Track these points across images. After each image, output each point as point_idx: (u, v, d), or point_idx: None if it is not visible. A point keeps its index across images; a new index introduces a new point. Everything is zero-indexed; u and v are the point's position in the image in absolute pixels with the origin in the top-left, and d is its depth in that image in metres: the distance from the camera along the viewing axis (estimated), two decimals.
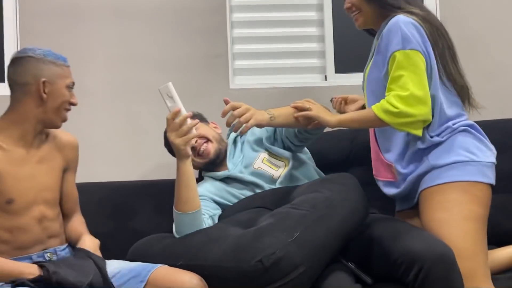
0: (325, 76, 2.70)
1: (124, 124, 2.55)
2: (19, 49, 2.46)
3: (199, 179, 2.21)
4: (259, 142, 2.13)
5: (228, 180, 2.09)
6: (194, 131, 1.79)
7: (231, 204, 2.01)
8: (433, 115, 1.78)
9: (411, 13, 1.82)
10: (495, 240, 2.14)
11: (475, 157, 1.77)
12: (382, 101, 1.76)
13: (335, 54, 2.69)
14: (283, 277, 1.52)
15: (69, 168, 1.86)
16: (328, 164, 2.20)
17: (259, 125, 1.87)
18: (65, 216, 1.86)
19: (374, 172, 2.00)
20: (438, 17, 2.59)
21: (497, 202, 2.18)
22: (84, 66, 2.52)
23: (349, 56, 2.71)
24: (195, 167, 2.06)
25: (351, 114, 1.90)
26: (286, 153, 2.08)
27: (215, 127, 2.23)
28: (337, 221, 1.63)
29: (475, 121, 1.88)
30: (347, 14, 1.99)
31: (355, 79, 2.65)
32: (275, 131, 2.13)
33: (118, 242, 1.94)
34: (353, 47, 2.69)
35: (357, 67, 2.66)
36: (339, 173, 1.92)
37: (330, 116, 1.87)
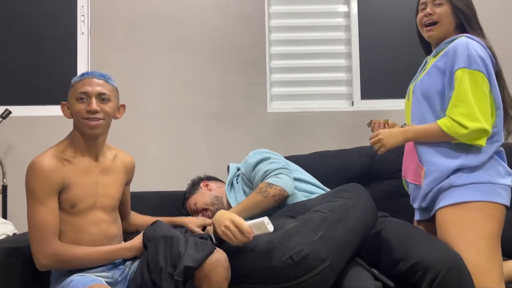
0: (352, 102, 2.71)
1: (176, 142, 2.61)
2: None
3: None
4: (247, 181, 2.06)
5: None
6: (231, 239, 1.62)
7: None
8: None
9: (482, 36, 1.79)
10: (509, 253, 2.11)
11: (492, 179, 1.70)
12: (448, 119, 1.69)
13: (361, 83, 2.71)
14: (311, 270, 1.53)
15: (128, 182, 1.90)
16: (350, 178, 2.14)
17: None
18: (124, 217, 1.91)
19: (403, 173, 1.93)
20: None
21: (510, 218, 2.16)
22: (143, 92, 2.61)
23: (373, 85, 2.71)
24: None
25: (416, 129, 1.76)
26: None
27: (206, 185, 2.17)
28: (354, 221, 1.65)
29: None
30: (424, 23, 1.85)
31: (378, 104, 2.67)
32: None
33: None
34: (377, 77, 2.70)
35: (380, 94, 2.70)
36: (347, 184, 1.88)
37: (397, 138, 1.77)
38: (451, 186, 1.71)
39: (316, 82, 2.74)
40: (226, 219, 1.61)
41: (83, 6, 2.67)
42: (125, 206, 1.93)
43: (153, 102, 2.61)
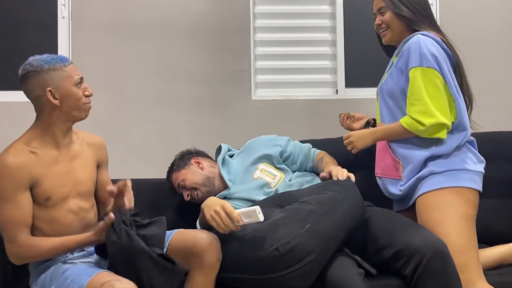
0: (336, 90, 2.69)
1: (159, 128, 2.57)
2: None
3: None
4: (259, 158, 2.07)
5: (227, 197, 2.02)
6: (221, 227, 1.60)
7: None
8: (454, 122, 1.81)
9: (436, 30, 1.85)
10: (486, 240, 2.13)
11: (468, 166, 1.80)
12: (408, 117, 1.79)
13: (345, 71, 2.69)
14: (297, 263, 1.55)
15: (101, 164, 1.82)
16: None
17: None
18: (103, 203, 1.83)
19: (377, 171, 1.98)
20: None
21: (487, 205, 2.18)
22: (125, 78, 2.55)
23: (358, 73, 2.70)
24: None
25: (383, 129, 1.88)
26: (284, 166, 2.09)
27: (198, 163, 2.10)
28: (340, 215, 1.65)
29: None
30: (376, 30, 2.00)
31: (362, 93, 2.67)
32: (292, 154, 2.11)
33: None
34: (361, 65, 2.69)
35: (365, 83, 2.69)
36: (338, 179, 1.90)
37: (366, 139, 1.87)
38: (431, 173, 1.79)
39: (301, 70, 2.71)
40: (217, 204, 1.60)
41: None
42: (104, 190, 1.84)
43: (135, 88, 2.56)
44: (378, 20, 1.95)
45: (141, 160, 2.54)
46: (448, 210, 1.74)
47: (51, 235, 1.61)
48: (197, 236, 1.60)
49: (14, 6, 2.61)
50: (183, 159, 2.14)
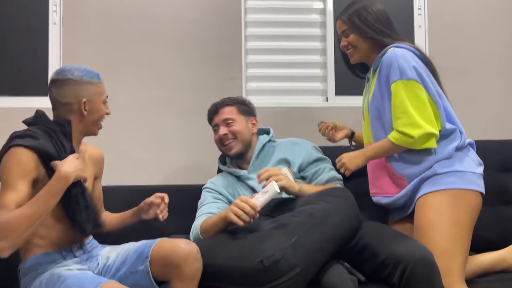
0: (326, 98, 2.70)
1: (149, 135, 2.55)
2: None
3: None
4: (285, 161, 2.05)
5: (241, 178, 2.04)
6: (246, 219, 1.67)
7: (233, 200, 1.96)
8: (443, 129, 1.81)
9: (403, 41, 1.86)
10: (474, 247, 2.13)
11: (471, 168, 1.80)
12: (395, 132, 1.77)
13: (335, 79, 2.69)
14: (281, 276, 1.51)
15: (98, 176, 1.87)
16: None
17: (286, 190, 1.83)
18: None
19: (372, 191, 1.96)
20: (427, 50, 2.62)
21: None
22: (116, 84, 2.50)
23: (348, 81, 2.64)
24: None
25: (373, 148, 1.86)
26: (300, 180, 2.04)
27: (253, 124, 2.10)
28: (331, 228, 1.62)
29: None
30: (342, 51, 2.01)
31: (352, 101, 2.67)
32: (309, 176, 2.04)
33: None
34: (351, 74, 2.69)
35: (354, 91, 2.69)
36: (335, 187, 1.91)
37: (358, 160, 1.85)
38: (435, 174, 1.78)
39: (292, 78, 2.71)
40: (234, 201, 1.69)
41: None
42: (99, 202, 1.88)
43: (126, 95, 2.54)
44: (343, 42, 1.95)
45: (131, 167, 2.51)
46: (443, 214, 1.73)
47: (48, 240, 1.61)
48: (176, 246, 1.56)
49: (5, 12, 2.59)
50: (248, 107, 2.10)
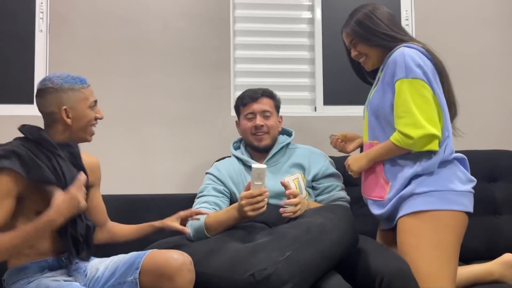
0: (315, 108, 2.70)
1: (137, 144, 2.52)
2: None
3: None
4: (300, 167, 2.06)
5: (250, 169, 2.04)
6: (263, 205, 1.73)
7: (237, 192, 1.97)
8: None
9: (413, 41, 1.80)
10: (460, 257, 2.11)
11: (453, 186, 1.70)
12: (397, 132, 1.70)
13: (323, 89, 2.69)
14: None
15: (94, 185, 1.84)
16: None
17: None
18: (100, 225, 1.86)
19: (363, 191, 1.93)
20: None
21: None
22: (103, 93, 2.43)
23: (336, 91, 2.71)
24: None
25: (376, 150, 1.79)
26: (311, 189, 2.06)
27: (279, 122, 2.18)
28: (326, 244, 1.60)
29: None
30: (356, 59, 1.96)
31: (340, 110, 2.68)
32: (321, 188, 2.06)
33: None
34: (339, 83, 2.70)
35: (343, 100, 2.71)
36: (336, 204, 1.92)
37: (361, 162, 1.82)
38: (413, 194, 1.71)
39: (280, 87, 2.69)
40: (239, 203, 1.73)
41: (42, 3, 2.54)
42: (99, 211, 1.86)
43: (113, 103, 2.51)
44: (353, 52, 1.91)
45: (118, 176, 2.47)
46: (424, 237, 1.66)
47: (36, 249, 1.58)
48: (169, 257, 1.55)
49: None
50: (279, 104, 2.15)
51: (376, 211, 1.84)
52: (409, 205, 1.71)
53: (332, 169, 2.08)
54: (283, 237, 1.60)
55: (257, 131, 2.05)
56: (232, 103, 2.61)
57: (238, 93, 2.66)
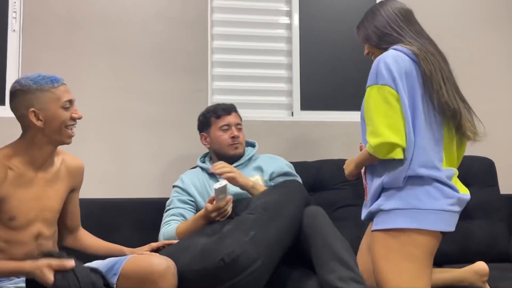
0: (292, 113, 2.70)
1: (112, 147, 2.48)
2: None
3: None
4: (260, 169, 2.14)
5: (214, 175, 2.09)
6: (229, 210, 1.85)
7: (201, 200, 2.04)
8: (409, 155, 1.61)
9: (411, 42, 1.70)
10: (436, 261, 2.13)
11: (419, 204, 1.60)
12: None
13: (300, 94, 2.70)
14: (243, 271, 1.54)
15: (75, 189, 1.79)
16: None
17: (237, 183, 1.96)
18: (71, 230, 1.82)
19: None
20: None
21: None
22: (78, 95, 2.39)
23: (313, 96, 2.71)
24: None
25: (359, 156, 1.73)
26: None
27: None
28: (285, 218, 1.67)
29: None
30: (362, 57, 1.95)
31: (317, 115, 2.69)
32: (275, 180, 2.13)
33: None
34: (317, 88, 2.71)
35: (319, 106, 2.72)
36: (285, 180, 2.01)
37: (351, 167, 1.77)
38: (379, 210, 1.65)
39: (257, 91, 2.71)
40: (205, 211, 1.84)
41: (15, 2, 2.48)
42: (73, 217, 1.81)
43: (88, 106, 2.47)
44: (365, 50, 1.87)
45: (92, 179, 2.40)
46: (392, 249, 1.62)
47: (7, 255, 1.53)
48: (154, 262, 1.51)
49: None
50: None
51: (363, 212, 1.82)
52: (376, 221, 1.67)
53: (288, 169, 2.15)
54: (243, 222, 1.66)
55: (235, 141, 2.14)
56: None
57: (216, 97, 2.67)
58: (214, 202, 1.82)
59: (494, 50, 2.83)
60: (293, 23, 2.74)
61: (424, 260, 1.61)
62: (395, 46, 1.70)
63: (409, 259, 1.59)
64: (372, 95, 1.63)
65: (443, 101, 1.64)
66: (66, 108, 1.59)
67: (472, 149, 2.63)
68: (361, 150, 1.97)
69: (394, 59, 1.63)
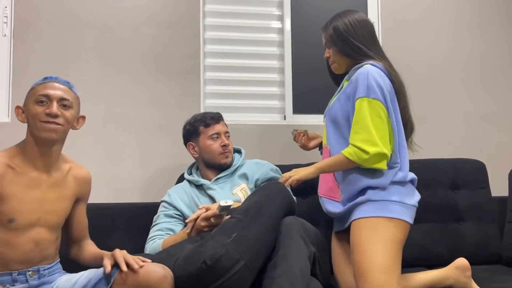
0: (284, 116, 2.71)
1: (104, 152, 2.47)
2: (10, 83, 2.41)
3: (180, 180, 2.25)
4: (245, 177, 2.13)
5: (203, 187, 2.09)
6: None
7: (189, 213, 2.02)
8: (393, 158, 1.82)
9: (380, 60, 1.86)
10: (425, 262, 2.17)
11: (403, 199, 1.80)
12: (351, 147, 1.77)
13: (293, 97, 2.71)
14: (226, 273, 1.53)
15: (81, 199, 1.76)
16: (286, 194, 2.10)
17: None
18: (76, 241, 1.78)
19: (319, 191, 1.99)
20: None
21: (426, 229, 2.24)
22: None
23: (305, 100, 2.72)
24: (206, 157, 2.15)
25: (327, 161, 1.85)
26: None
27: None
28: (266, 218, 1.67)
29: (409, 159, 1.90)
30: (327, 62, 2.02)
31: (309, 119, 2.69)
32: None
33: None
34: (309, 92, 2.72)
35: (312, 109, 2.72)
36: (267, 182, 2.02)
37: (309, 169, 1.85)
38: (368, 200, 1.79)
39: (250, 95, 2.71)
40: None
41: (6, 7, 2.46)
42: (80, 226, 1.77)
43: (80, 110, 2.42)
44: (326, 53, 1.97)
45: None
46: (379, 231, 1.74)
47: (5, 259, 1.51)
48: (150, 270, 1.50)
49: None
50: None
51: (331, 209, 1.91)
52: (363, 210, 1.79)
53: (272, 174, 2.14)
54: (225, 225, 1.66)
55: (225, 149, 2.12)
56: (202, 111, 2.59)
57: (208, 101, 2.67)
58: (212, 219, 1.80)
59: (487, 54, 2.85)
60: (285, 27, 2.74)
61: (401, 245, 1.78)
62: (374, 63, 1.83)
63: (393, 240, 1.74)
64: (365, 107, 1.76)
65: (408, 116, 1.90)
66: (40, 103, 1.55)
67: (463, 151, 2.67)
68: (321, 153, 2.07)
69: (380, 77, 1.79)
